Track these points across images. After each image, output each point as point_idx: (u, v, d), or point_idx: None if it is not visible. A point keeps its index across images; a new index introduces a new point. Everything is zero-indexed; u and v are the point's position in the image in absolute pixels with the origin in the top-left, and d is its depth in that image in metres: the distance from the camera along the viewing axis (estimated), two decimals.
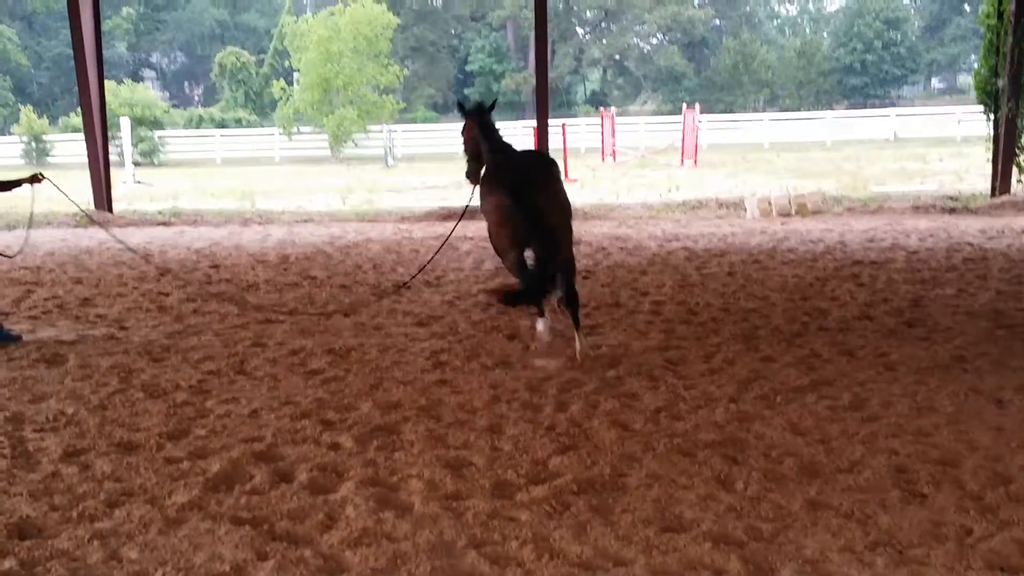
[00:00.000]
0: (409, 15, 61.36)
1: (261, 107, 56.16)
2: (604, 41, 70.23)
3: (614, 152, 37.42)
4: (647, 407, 6.41)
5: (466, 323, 9.32)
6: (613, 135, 38.38)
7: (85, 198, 21.13)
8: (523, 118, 53.08)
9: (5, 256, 10.81)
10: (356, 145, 45.39)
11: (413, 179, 31.33)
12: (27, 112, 46.15)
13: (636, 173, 30.43)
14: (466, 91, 69.87)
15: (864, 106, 58.73)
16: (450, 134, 47.53)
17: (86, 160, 20.90)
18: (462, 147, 8.87)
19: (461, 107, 8.73)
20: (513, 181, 7.57)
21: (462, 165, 9.12)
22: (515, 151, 8.64)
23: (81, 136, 21.88)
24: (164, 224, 19.62)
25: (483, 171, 8.27)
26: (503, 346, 8.30)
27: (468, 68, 68.53)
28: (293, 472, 5.30)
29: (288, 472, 5.31)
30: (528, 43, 65.81)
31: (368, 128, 45.28)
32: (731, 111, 58.24)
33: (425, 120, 55.70)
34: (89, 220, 16.42)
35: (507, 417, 6.24)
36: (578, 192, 23.63)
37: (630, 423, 6.09)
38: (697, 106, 38.99)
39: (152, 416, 6.38)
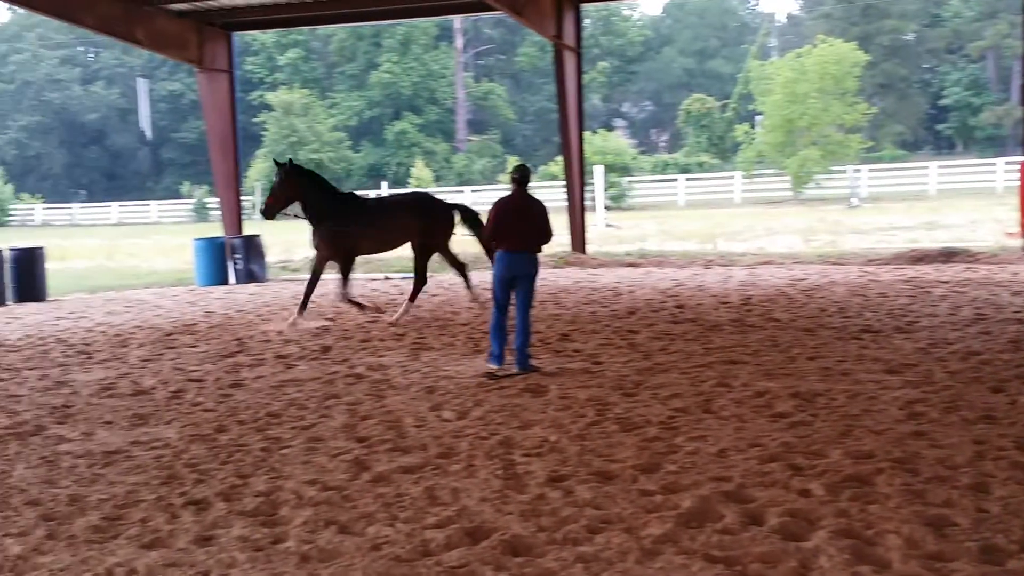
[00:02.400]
0: (879, 51, 59.10)
1: (723, 151, 56.96)
2: None
3: None
4: None
5: (943, 372, 8.78)
6: None
7: (561, 241, 22.70)
8: (1004, 154, 48.86)
9: None
10: (818, 185, 44.47)
11: (879, 220, 30.03)
12: (513, 162, 50.55)
13: None
14: (939, 127, 65.81)
15: None
16: (919, 173, 45.04)
17: (563, 205, 22.49)
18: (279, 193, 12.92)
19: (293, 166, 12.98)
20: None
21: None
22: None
23: (556, 183, 23.57)
24: (632, 265, 20.53)
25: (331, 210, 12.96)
26: (986, 399, 7.70)
27: (941, 103, 64.54)
28: (763, 515, 5.30)
29: (758, 515, 5.31)
30: (1012, 73, 60.68)
31: (831, 168, 44.19)
32: None
33: (893, 159, 53.19)
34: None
35: (994, 476, 5.77)
36: None
37: None
38: None
39: (626, 448, 6.69)
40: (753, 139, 47.33)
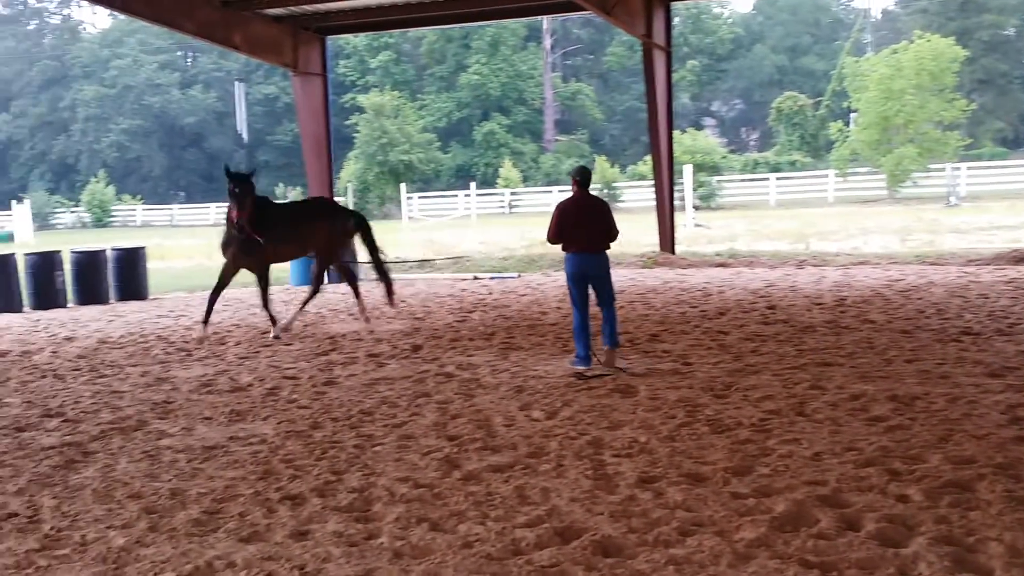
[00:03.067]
0: (978, 46, 57.32)
1: (815, 149, 55.89)
2: None
3: None
4: None
5: None
6: None
7: (650, 241, 22.60)
8: None
9: None
10: (915, 184, 43.36)
11: (978, 219, 29.17)
12: (601, 162, 50.40)
13: None
14: None
15: None
16: (1021, 171, 43.62)
17: (652, 205, 22.36)
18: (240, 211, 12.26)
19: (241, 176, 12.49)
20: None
21: None
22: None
23: (645, 183, 23.43)
24: (722, 265, 20.29)
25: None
26: None
27: None
28: (860, 520, 5.20)
29: (855, 520, 5.21)
30: None
31: (928, 166, 43.04)
32: None
33: (992, 156, 51.56)
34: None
35: None
36: None
37: None
38: None
39: (717, 451, 6.63)
40: (847, 137, 46.34)
